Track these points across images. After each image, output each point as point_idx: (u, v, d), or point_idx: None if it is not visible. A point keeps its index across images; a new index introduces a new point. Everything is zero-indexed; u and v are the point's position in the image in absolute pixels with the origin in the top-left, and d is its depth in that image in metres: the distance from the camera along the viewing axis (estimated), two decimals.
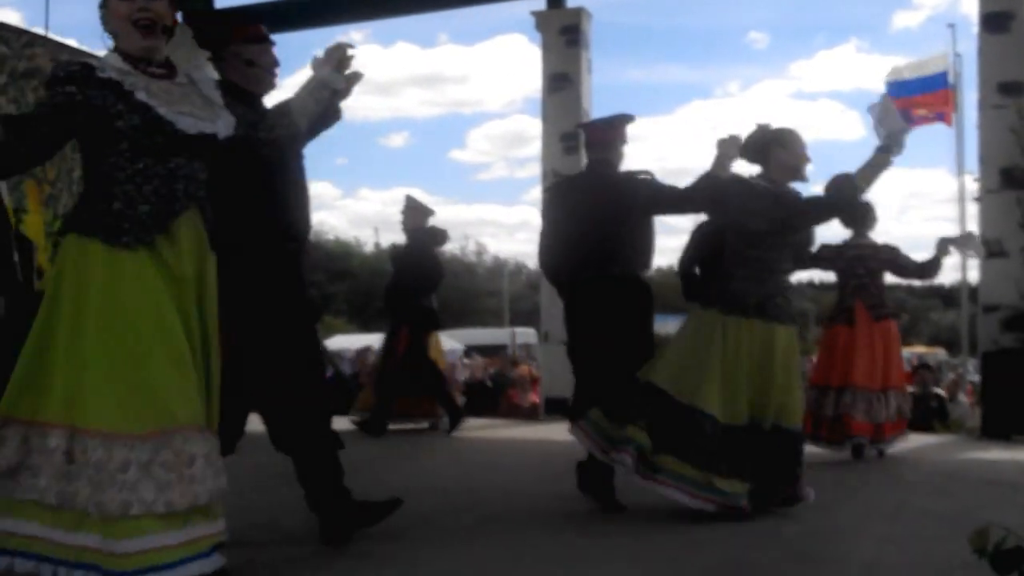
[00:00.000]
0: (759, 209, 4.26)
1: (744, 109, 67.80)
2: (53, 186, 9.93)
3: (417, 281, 7.95)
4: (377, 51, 69.53)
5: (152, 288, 2.83)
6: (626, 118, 4.78)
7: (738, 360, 4.21)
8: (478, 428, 8.47)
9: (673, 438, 4.12)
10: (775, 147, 4.38)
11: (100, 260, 2.80)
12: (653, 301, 4.68)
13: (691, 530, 3.77)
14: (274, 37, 3.85)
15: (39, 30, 9.85)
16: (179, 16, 10.97)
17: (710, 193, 4.46)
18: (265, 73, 3.75)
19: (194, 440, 2.82)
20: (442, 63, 71.51)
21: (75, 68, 2.84)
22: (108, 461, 2.69)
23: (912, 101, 10.60)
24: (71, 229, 2.87)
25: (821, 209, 4.47)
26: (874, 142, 4.26)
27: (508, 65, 70.32)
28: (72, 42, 10.20)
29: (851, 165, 5.96)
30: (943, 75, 10.88)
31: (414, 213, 8.22)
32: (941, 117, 10.96)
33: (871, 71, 77.91)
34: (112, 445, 2.70)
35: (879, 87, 11.67)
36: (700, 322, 4.37)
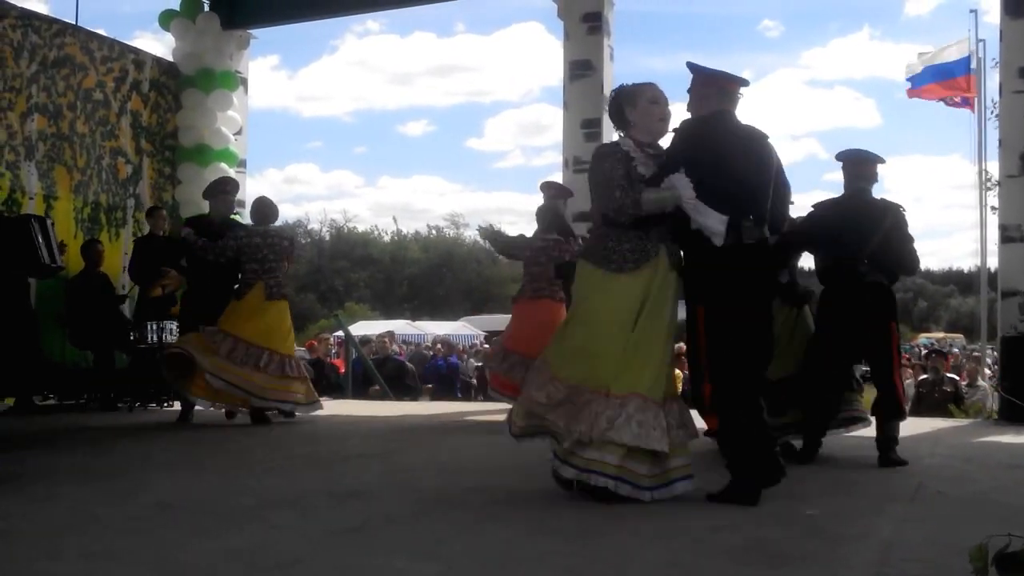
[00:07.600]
0: None
1: (759, 97, 67.34)
2: (83, 173, 10.06)
3: None
4: (395, 41, 69.53)
5: None
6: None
7: None
8: (496, 411, 8.54)
9: None
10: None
11: None
12: None
13: (714, 514, 3.82)
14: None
15: (69, 20, 9.99)
16: (206, 3, 11.04)
17: None
18: None
19: None
20: (459, 52, 71.35)
21: None
22: None
23: (941, 86, 10.57)
24: None
25: None
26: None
27: (525, 54, 70.10)
28: (101, 31, 10.33)
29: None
30: (966, 60, 10.83)
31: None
32: (966, 102, 10.90)
33: (885, 58, 77.31)
34: None
35: (892, 74, 11.61)
36: None
